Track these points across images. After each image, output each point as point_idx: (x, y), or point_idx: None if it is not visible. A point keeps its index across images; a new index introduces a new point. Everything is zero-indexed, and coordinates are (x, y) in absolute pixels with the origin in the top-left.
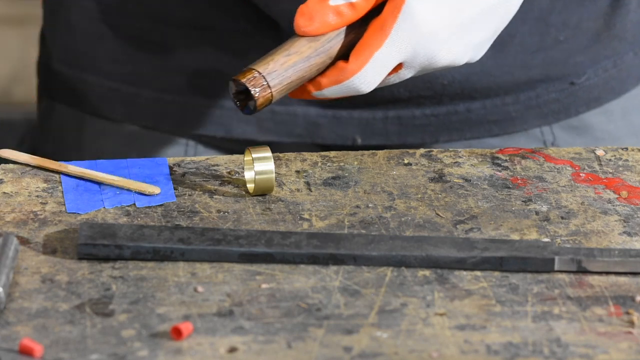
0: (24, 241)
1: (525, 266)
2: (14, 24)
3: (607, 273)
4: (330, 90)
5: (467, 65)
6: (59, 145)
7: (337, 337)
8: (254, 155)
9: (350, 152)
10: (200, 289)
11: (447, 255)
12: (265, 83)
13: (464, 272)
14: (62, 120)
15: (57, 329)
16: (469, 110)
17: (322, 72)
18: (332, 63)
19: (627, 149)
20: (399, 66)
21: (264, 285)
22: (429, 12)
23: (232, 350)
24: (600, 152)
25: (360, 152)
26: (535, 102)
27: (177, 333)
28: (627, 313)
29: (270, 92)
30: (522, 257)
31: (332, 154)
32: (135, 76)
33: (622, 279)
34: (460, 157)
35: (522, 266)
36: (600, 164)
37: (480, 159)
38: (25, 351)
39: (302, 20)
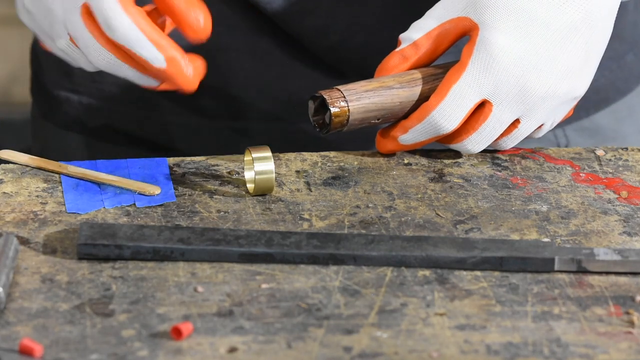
0: (24, 241)
1: (525, 266)
2: (14, 24)
3: (607, 273)
4: (415, 131)
5: None
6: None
7: (337, 337)
8: (254, 155)
9: (350, 152)
10: (200, 289)
11: (447, 255)
12: (343, 97)
13: (464, 272)
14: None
15: (57, 329)
16: None
17: (407, 115)
18: (417, 107)
19: (627, 149)
20: (514, 122)
21: (264, 285)
22: (505, 40)
23: (232, 350)
24: (600, 152)
25: (360, 152)
26: None
27: (177, 333)
28: (627, 313)
29: (347, 106)
30: (522, 257)
31: (332, 154)
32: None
33: (622, 279)
34: (460, 157)
35: (522, 266)
36: (600, 164)
37: (480, 159)
38: (25, 351)
39: (376, 72)
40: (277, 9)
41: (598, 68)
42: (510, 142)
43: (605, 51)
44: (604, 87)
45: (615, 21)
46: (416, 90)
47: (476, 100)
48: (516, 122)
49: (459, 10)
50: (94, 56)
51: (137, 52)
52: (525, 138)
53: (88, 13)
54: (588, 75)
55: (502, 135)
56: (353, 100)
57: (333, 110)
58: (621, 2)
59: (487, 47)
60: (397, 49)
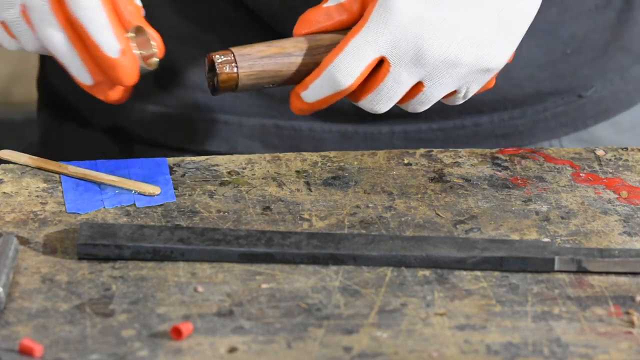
0: (24, 241)
1: (525, 266)
2: None
3: (607, 273)
4: (315, 86)
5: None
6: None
7: (337, 337)
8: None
9: (350, 152)
10: (200, 289)
11: (447, 255)
12: (234, 62)
13: (464, 272)
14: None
15: (57, 329)
16: (476, 124)
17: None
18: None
19: (627, 149)
20: (418, 85)
21: (264, 285)
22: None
23: (232, 350)
24: (600, 152)
25: (360, 152)
26: (543, 116)
27: (177, 333)
28: (627, 313)
29: (237, 72)
30: (522, 257)
31: (332, 154)
32: (141, 92)
33: (622, 279)
34: (460, 157)
35: (522, 266)
36: (600, 164)
37: (480, 159)
38: (25, 351)
39: (297, 23)
40: (266, 6)
41: (600, 79)
42: (418, 106)
43: (607, 63)
44: (605, 99)
45: (623, 32)
46: (318, 59)
47: (374, 56)
48: (420, 85)
49: None
50: (43, 33)
51: (93, 35)
52: (440, 104)
53: None
54: (503, 47)
55: (407, 97)
56: (245, 67)
57: (221, 75)
58: (631, 14)
59: (388, 4)
60: (325, 5)
